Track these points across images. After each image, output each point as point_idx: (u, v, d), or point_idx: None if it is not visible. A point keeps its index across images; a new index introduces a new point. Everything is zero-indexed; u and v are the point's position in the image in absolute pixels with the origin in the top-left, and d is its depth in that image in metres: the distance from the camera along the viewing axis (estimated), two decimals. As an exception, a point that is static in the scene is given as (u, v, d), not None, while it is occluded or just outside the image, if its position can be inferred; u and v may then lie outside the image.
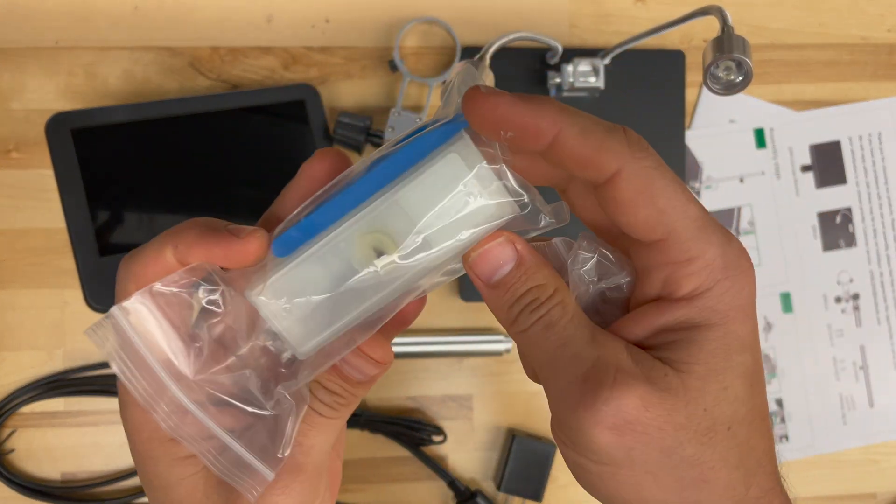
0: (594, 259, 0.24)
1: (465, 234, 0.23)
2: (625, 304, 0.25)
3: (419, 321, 0.61)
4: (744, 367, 0.23)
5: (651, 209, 0.23)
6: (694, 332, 0.23)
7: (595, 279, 0.25)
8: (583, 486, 0.24)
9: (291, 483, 0.24)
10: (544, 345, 0.23)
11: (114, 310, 0.23)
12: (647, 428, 0.22)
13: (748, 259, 0.23)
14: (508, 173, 0.23)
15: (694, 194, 0.24)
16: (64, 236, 0.57)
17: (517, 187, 0.24)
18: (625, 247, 0.25)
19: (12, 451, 0.59)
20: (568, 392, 0.22)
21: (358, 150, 0.57)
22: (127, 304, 0.23)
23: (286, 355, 0.25)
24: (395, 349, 0.59)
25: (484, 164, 0.23)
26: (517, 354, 0.64)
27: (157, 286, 0.23)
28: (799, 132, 0.63)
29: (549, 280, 0.24)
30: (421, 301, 0.26)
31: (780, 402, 0.63)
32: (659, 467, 0.22)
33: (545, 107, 0.23)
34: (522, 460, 0.59)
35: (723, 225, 0.24)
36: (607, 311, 0.25)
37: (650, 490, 0.22)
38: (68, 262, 0.59)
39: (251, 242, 0.23)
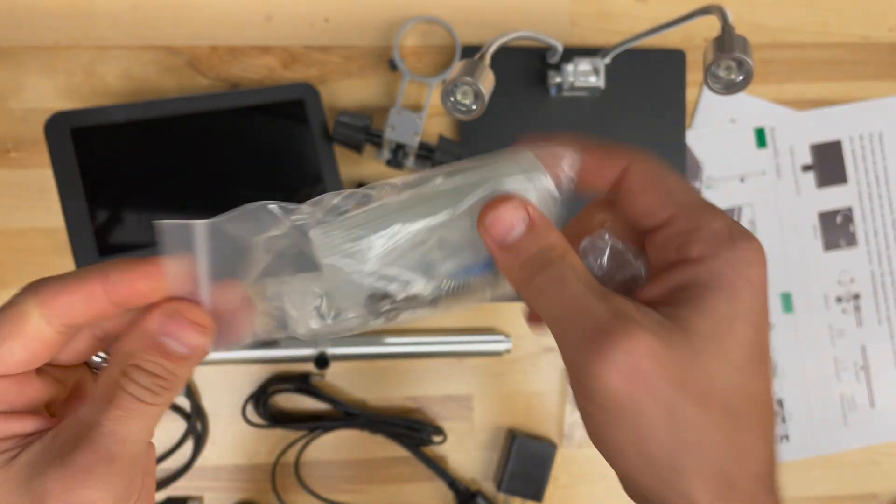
0: (608, 249, 0.26)
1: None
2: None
3: (419, 321, 0.61)
4: (746, 338, 0.23)
5: (658, 191, 0.25)
6: (702, 293, 0.24)
7: (609, 266, 0.26)
8: (590, 438, 0.25)
9: (104, 475, 0.23)
10: (558, 299, 0.24)
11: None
12: (653, 380, 0.23)
13: (756, 240, 0.24)
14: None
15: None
16: (63, 236, 0.57)
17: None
18: (642, 243, 0.27)
19: (11, 451, 0.59)
20: (582, 342, 0.23)
21: (358, 149, 0.56)
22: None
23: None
24: (396, 349, 0.59)
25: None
26: (517, 354, 0.64)
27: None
28: (800, 132, 0.63)
29: (559, 241, 0.25)
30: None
31: (780, 403, 0.63)
32: (661, 425, 0.23)
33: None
34: (523, 461, 0.59)
35: None
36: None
37: (648, 444, 0.23)
38: (67, 262, 0.58)
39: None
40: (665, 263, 0.25)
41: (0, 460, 0.23)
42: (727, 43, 0.43)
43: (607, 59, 0.56)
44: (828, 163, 0.63)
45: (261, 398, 0.59)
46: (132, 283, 0.24)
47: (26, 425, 0.24)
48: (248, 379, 0.60)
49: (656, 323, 0.23)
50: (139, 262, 0.24)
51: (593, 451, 0.63)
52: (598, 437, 0.24)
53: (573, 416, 0.61)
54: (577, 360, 0.24)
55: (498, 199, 0.25)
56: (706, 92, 0.63)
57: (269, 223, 0.25)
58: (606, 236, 0.26)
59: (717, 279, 0.24)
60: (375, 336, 0.59)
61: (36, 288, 0.24)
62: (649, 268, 0.26)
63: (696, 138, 0.62)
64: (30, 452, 0.23)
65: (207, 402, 0.60)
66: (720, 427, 0.23)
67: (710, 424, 0.23)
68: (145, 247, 0.52)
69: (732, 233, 0.24)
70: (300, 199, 0.59)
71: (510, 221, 0.25)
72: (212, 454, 0.60)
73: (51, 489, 0.22)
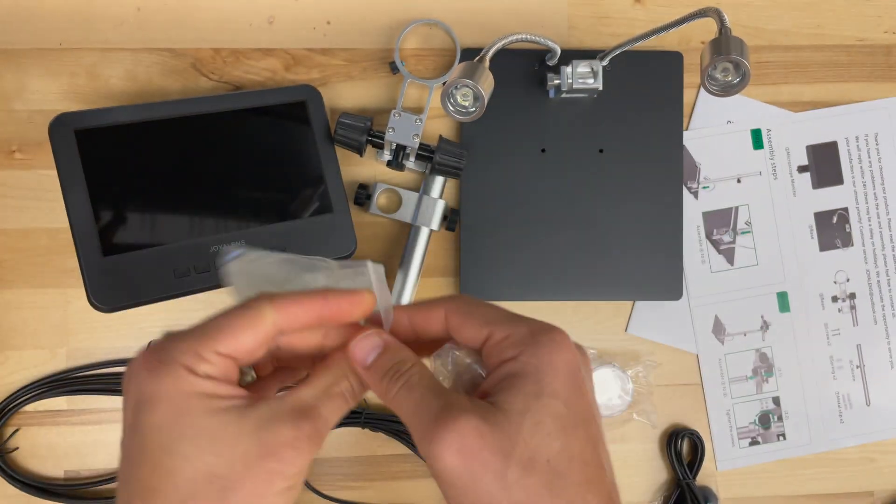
0: (452, 359, 0.33)
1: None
2: None
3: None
4: (554, 409, 0.29)
5: (473, 321, 0.32)
6: (514, 380, 0.30)
7: (457, 371, 0.33)
8: None
9: (314, 444, 0.30)
10: (408, 401, 0.30)
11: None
12: (481, 453, 0.28)
13: (558, 332, 0.31)
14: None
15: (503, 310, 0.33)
16: (67, 236, 0.57)
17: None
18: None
19: (16, 449, 0.59)
20: (424, 433, 0.29)
21: (359, 151, 0.57)
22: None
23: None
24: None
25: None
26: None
27: None
28: (796, 133, 0.64)
29: (408, 357, 0.32)
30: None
31: (777, 401, 0.63)
32: (495, 490, 0.27)
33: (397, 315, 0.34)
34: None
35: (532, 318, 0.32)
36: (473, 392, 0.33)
37: None
38: (71, 262, 0.59)
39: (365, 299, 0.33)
40: (495, 364, 0.31)
41: (237, 411, 0.29)
42: (724, 45, 0.43)
43: (605, 62, 0.57)
44: (824, 164, 0.64)
45: (263, 397, 0.59)
46: (342, 306, 0.32)
47: (242, 392, 0.31)
48: (251, 378, 0.61)
49: (482, 409, 0.29)
50: (350, 293, 0.33)
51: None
52: None
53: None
54: (423, 450, 0.29)
55: (359, 332, 0.32)
56: (703, 94, 0.63)
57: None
58: (452, 349, 0.33)
59: (524, 368, 0.30)
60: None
61: (272, 296, 0.31)
62: (487, 368, 0.32)
63: (694, 140, 0.63)
64: (261, 409, 0.30)
65: (210, 401, 0.60)
66: (546, 486, 0.28)
67: (537, 485, 0.27)
68: (148, 247, 0.53)
69: (534, 332, 0.31)
70: (302, 200, 0.59)
71: (368, 347, 0.32)
72: (214, 452, 0.60)
73: (283, 441, 0.29)
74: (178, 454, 0.28)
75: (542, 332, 0.31)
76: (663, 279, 0.61)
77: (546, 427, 0.28)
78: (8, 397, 0.59)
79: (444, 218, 0.60)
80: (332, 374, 0.32)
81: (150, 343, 0.59)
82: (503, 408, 0.29)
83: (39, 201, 0.59)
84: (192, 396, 0.29)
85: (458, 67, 0.48)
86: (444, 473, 0.28)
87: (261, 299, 0.31)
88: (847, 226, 0.64)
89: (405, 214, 0.60)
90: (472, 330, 0.32)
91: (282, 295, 0.31)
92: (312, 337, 0.34)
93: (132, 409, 0.29)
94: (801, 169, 0.64)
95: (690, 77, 0.62)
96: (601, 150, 0.61)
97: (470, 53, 0.61)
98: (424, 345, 0.34)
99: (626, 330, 0.63)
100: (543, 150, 0.61)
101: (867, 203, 0.64)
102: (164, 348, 0.30)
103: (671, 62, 0.62)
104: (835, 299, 0.64)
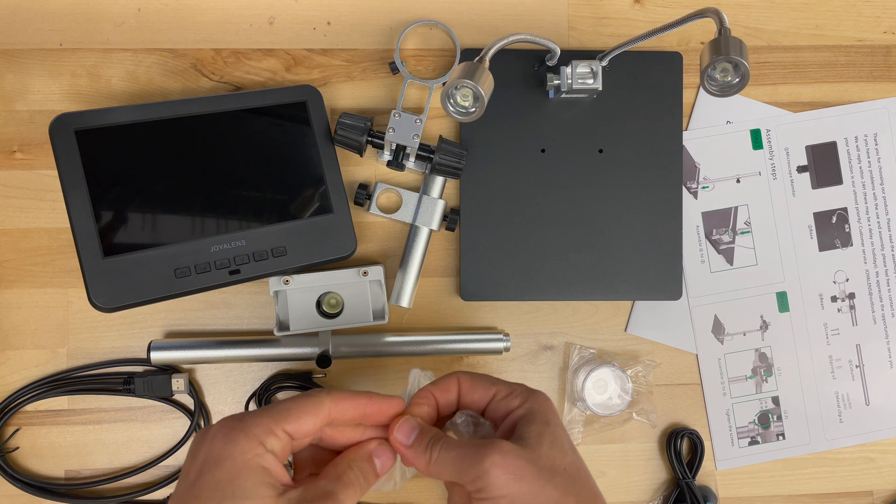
0: (467, 420, 0.43)
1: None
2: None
3: (420, 320, 0.61)
4: (560, 435, 0.40)
5: (480, 386, 0.43)
6: (528, 419, 0.40)
7: (471, 430, 0.42)
8: None
9: None
10: (449, 453, 0.39)
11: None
12: (520, 465, 0.37)
13: (542, 393, 0.43)
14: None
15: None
16: (68, 236, 0.57)
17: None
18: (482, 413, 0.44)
19: (16, 448, 0.59)
20: (473, 461, 0.38)
21: (359, 151, 0.57)
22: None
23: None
24: (397, 348, 0.60)
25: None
26: (516, 353, 0.64)
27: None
28: (795, 133, 0.64)
29: (438, 433, 0.41)
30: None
31: (776, 401, 0.63)
32: (535, 489, 0.37)
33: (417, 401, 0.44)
34: (522, 458, 0.59)
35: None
36: None
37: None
38: (72, 262, 0.59)
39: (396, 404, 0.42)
40: (502, 416, 0.42)
41: (278, 490, 0.35)
42: (723, 45, 0.43)
43: (605, 62, 0.57)
44: (823, 164, 0.64)
45: (263, 396, 0.59)
46: (382, 406, 0.41)
47: (286, 477, 0.37)
48: (251, 377, 0.61)
49: (511, 440, 0.39)
50: (389, 397, 0.41)
51: (588, 448, 0.63)
52: None
53: (571, 414, 0.61)
54: (471, 474, 0.38)
55: (400, 419, 0.41)
56: (702, 94, 0.63)
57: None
58: (464, 414, 0.43)
59: (530, 410, 0.41)
60: (377, 335, 0.60)
61: (329, 389, 0.39)
62: (494, 422, 0.43)
63: (693, 140, 0.63)
64: (292, 494, 0.36)
65: (210, 400, 0.61)
66: (569, 484, 0.38)
67: (562, 483, 0.38)
68: (148, 247, 0.53)
69: (529, 389, 0.42)
70: (302, 200, 0.59)
71: (407, 429, 0.41)
72: (215, 452, 0.60)
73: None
74: None
75: (533, 390, 0.42)
76: (663, 279, 0.62)
77: (558, 445, 0.39)
78: (8, 397, 0.59)
79: (444, 218, 0.60)
80: (341, 465, 0.39)
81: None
82: (524, 437, 0.39)
83: (40, 201, 0.60)
84: (253, 466, 0.34)
85: (458, 68, 0.48)
86: (492, 488, 0.37)
87: (321, 392, 0.38)
88: (846, 226, 0.64)
89: (405, 214, 0.60)
90: (481, 390, 0.43)
91: (338, 390, 0.39)
92: (353, 433, 0.41)
93: (199, 467, 0.34)
94: (801, 169, 0.64)
95: (690, 77, 0.62)
96: (601, 151, 0.61)
97: (470, 54, 0.61)
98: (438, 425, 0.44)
99: (625, 330, 0.63)
100: (543, 151, 0.61)
101: (866, 203, 0.64)
102: (243, 419, 0.35)
103: (671, 62, 0.62)
104: (834, 299, 0.64)
